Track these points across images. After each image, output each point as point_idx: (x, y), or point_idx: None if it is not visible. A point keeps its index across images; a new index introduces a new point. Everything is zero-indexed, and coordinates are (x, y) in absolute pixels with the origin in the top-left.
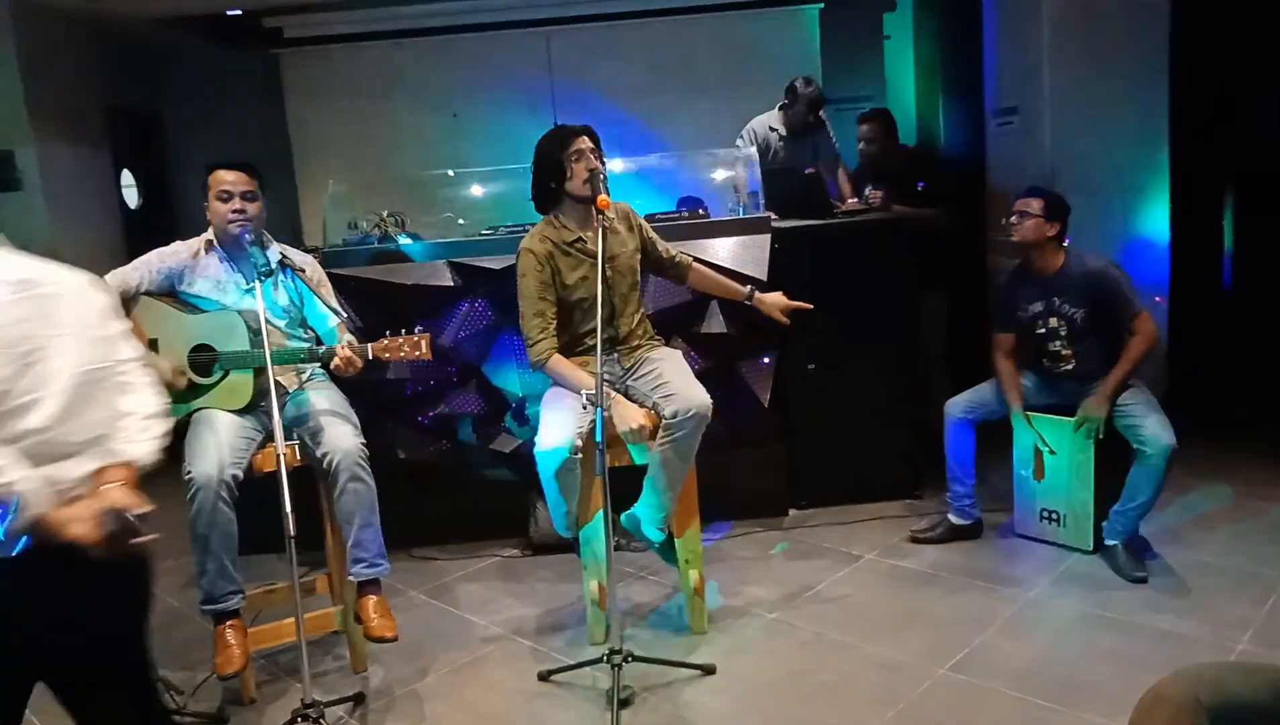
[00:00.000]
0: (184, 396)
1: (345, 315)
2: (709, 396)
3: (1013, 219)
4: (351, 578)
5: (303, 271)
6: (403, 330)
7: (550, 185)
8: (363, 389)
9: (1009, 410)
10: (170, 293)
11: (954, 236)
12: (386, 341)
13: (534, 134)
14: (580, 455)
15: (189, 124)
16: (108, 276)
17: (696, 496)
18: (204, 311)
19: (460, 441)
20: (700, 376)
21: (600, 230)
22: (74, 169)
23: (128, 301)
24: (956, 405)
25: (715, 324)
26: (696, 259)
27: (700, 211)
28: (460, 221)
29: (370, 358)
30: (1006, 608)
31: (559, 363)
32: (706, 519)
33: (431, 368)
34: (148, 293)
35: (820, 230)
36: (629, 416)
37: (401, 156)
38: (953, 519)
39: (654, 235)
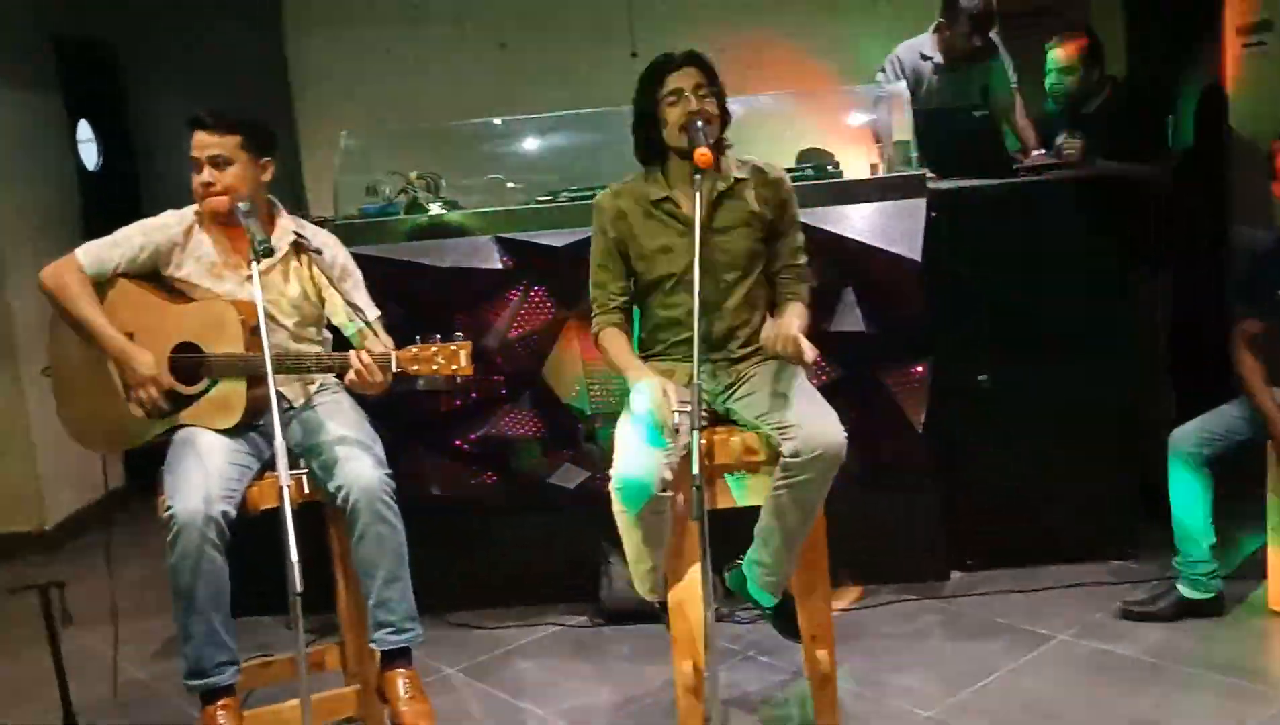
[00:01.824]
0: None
1: (375, 314)
2: (842, 431)
3: None
4: (374, 646)
5: (319, 254)
6: (437, 336)
7: (649, 137)
8: (386, 404)
9: (1260, 433)
10: (154, 276)
11: (1183, 201)
12: (416, 350)
13: (606, 68)
14: (671, 493)
15: (161, 62)
16: (78, 252)
17: (826, 552)
18: (193, 301)
19: (511, 473)
20: (828, 390)
21: (697, 192)
22: (17, 119)
23: (101, 284)
24: (1186, 436)
25: (850, 320)
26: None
27: (829, 169)
28: (511, 185)
29: (396, 370)
30: (1260, 710)
31: (608, 339)
32: (839, 581)
33: (474, 377)
34: (125, 275)
35: (995, 193)
36: (654, 397)
37: (434, 101)
38: (1182, 590)
39: (794, 228)
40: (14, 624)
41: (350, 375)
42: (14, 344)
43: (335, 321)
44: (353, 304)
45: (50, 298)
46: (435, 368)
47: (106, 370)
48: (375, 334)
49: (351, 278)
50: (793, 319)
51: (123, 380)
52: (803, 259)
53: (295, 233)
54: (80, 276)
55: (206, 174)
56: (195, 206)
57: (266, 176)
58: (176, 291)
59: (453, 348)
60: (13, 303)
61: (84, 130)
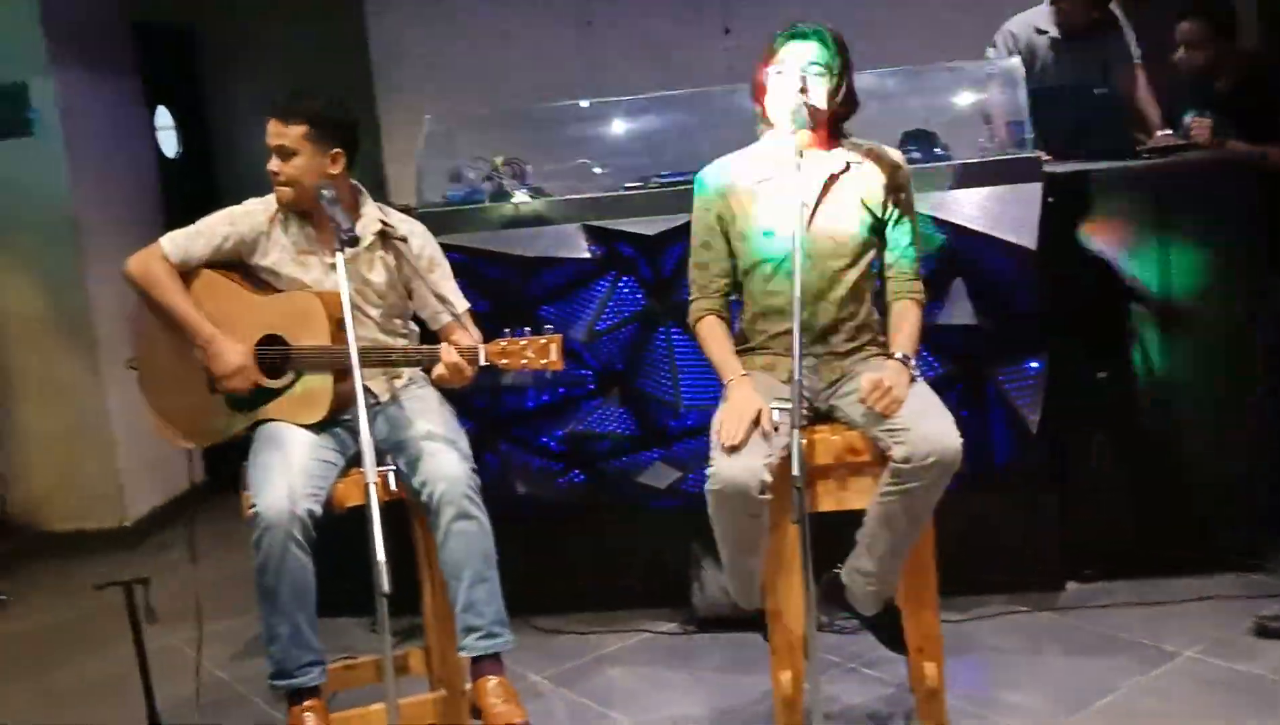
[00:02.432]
0: (246, 404)
1: (464, 306)
2: (958, 436)
3: None
4: (463, 653)
5: (404, 242)
6: (526, 328)
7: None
8: (470, 400)
9: None
10: (238, 266)
11: None
12: (505, 343)
13: (697, 46)
14: (770, 495)
15: (241, 47)
16: (163, 241)
17: (934, 559)
18: (278, 292)
19: (599, 472)
20: (935, 387)
21: (797, 172)
22: (98, 106)
23: (186, 275)
24: None
25: (959, 312)
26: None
27: (936, 151)
28: (598, 170)
29: (484, 364)
30: None
31: (706, 330)
32: (947, 591)
33: (561, 372)
34: (209, 264)
35: (1116, 176)
36: (736, 412)
37: (518, 82)
38: None
39: (910, 215)
40: (97, 620)
41: (439, 369)
42: (94, 336)
43: (421, 314)
44: (440, 295)
45: (136, 287)
46: (525, 362)
47: (192, 363)
48: (464, 327)
49: (440, 268)
50: (897, 377)
51: (209, 368)
52: (918, 250)
53: (380, 221)
54: (166, 265)
55: (273, 163)
56: None
57: (335, 169)
58: (261, 282)
59: (542, 341)
60: (93, 292)
61: (163, 116)
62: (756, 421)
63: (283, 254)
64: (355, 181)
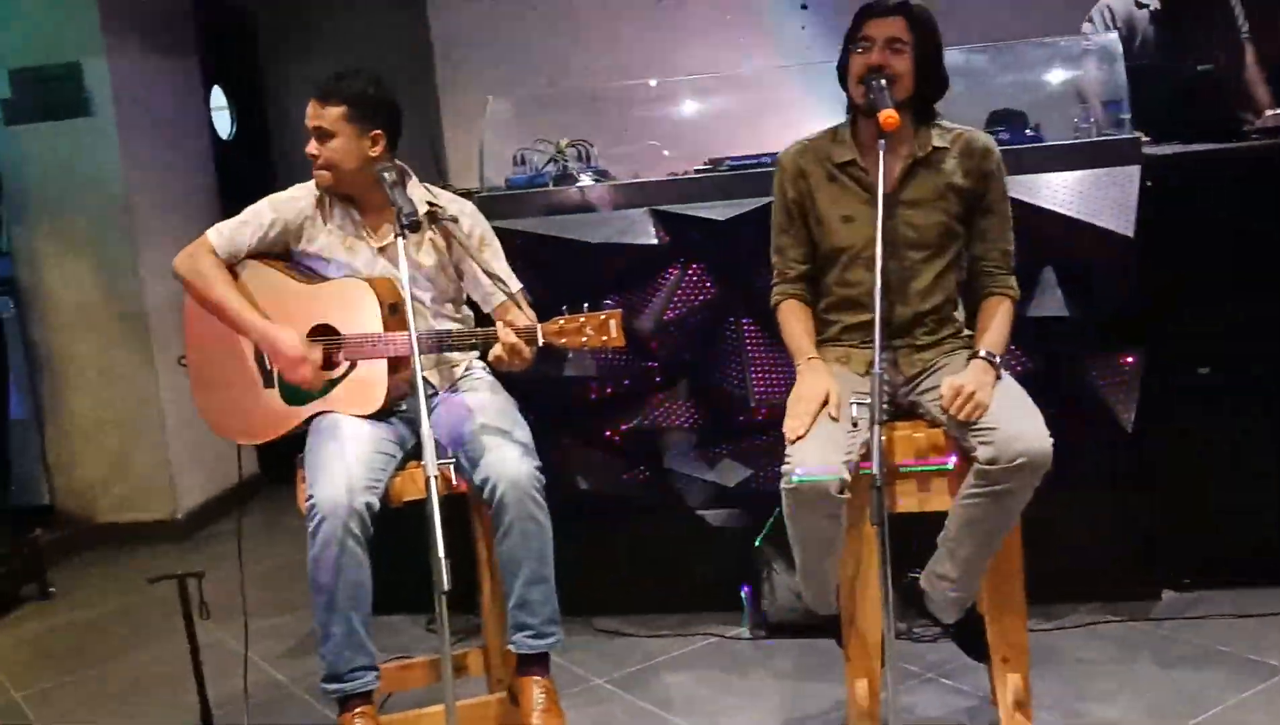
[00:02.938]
0: (301, 397)
1: (517, 286)
2: (1048, 436)
3: None
4: (511, 648)
5: (454, 222)
6: (585, 306)
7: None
8: (531, 391)
9: None
10: (285, 255)
11: None
12: (563, 322)
13: (772, 23)
14: (848, 494)
15: (299, 27)
16: (210, 234)
17: (1020, 564)
18: (326, 279)
19: (665, 468)
20: (1023, 383)
21: (881, 156)
22: (154, 86)
23: (233, 266)
24: None
25: (1050, 303)
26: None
27: (1028, 132)
28: (667, 153)
29: (541, 343)
30: None
31: (786, 314)
32: (1034, 598)
33: (626, 363)
34: (256, 254)
35: (1221, 159)
36: (802, 397)
37: (585, 62)
38: None
39: (1003, 204)
40: (146, 613)
41: (496, 350)
42: (147, 323)
43: (474, 295)
44: (492, 274)
45: (185, 284)
46: (584, 340)
47: (244, 359)
48: (518, 306)
49: (490, 247)
50: (981, 378)
51: (269, 365)
52: (1011, 241)
53: (429, 202)
54: (214, 260)
55: (312, 146)
56: None
57: (376, 151)
58: (308, 270)
59: (601, 317)
60: (146, 278)
61: (218, 97)
62: (825, 406)
63: (329, 239)
64: (401, 163)
